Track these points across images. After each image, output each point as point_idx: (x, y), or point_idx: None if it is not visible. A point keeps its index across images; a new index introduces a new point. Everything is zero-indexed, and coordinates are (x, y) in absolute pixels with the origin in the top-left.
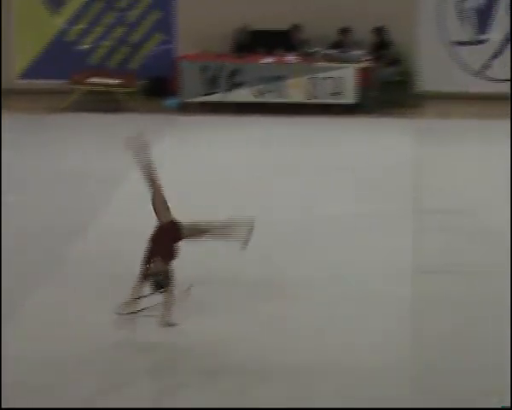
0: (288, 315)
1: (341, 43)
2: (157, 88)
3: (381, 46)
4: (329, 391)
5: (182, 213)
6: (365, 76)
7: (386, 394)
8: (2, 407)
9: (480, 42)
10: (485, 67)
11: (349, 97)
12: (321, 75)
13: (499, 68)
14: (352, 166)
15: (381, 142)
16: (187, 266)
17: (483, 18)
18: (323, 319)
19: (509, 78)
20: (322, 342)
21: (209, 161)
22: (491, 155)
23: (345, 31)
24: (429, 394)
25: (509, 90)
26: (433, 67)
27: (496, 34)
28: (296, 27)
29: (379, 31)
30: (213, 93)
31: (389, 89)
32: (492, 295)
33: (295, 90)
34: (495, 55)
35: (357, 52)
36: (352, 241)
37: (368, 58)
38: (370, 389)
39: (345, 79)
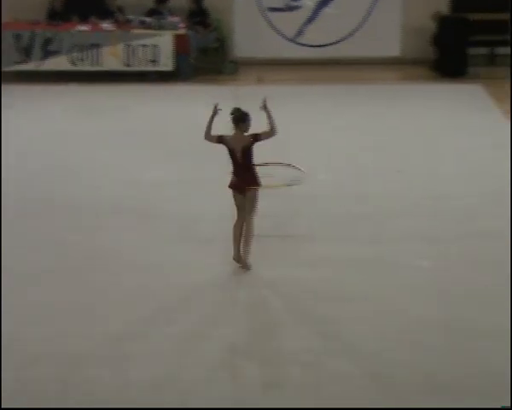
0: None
1: (158, 11)
2: None
3: (198, 13)
4: None
5: None
6: (182, 43)
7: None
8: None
9: (294, 8)
10: (299, 33)
11: (166, 65)
12: (137, 43)
13: (312, 34)
14: (171, 133)
15: (200, 108)
16: None
17: None
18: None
19: (322, 43)
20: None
21: (18, 133)
22: (310, 119)
23: None
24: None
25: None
26: (249, 34)
27: (308, 1)
28: None
29: None
30: (27, 62)
31: (206, 56)
32: (317, 258)
33: (111, 58)
34: (308, 22)
35: (173, 19)
36: (181, 208)
37: (184, 25)
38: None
39: (161, 46)
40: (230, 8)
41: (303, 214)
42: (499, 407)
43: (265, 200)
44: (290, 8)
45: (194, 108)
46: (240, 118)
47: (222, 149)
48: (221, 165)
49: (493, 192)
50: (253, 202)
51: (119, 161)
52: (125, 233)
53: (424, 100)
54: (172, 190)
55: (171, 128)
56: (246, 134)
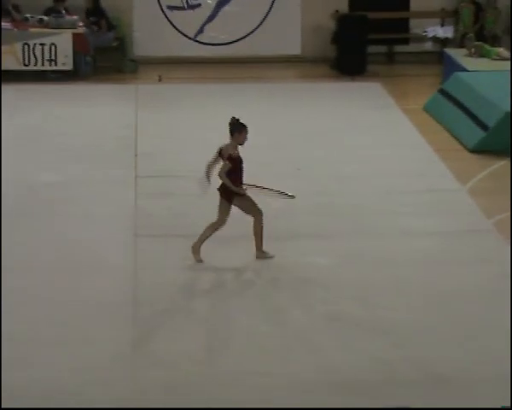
0: None
1: (55, 9)
2: None
3: (96, 12)
4: None
5: None
6: (81, 42)
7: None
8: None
9: (194, 7)
10: (199, 31)
11: (65, 64)
12: (35, 41)
13: (211, 33)
14: (73, 132)
15: (100, 108)
16: None
17: None
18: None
19: (222, 41)
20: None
21: None
22: (211, 117)
23: None
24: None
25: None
26: (149, 32)
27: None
28: None
29: None
30: None
31: (105, 54)
32: (217, 257)
33: (9, 57)
34: (208, 20)
35: (72, 18)
36: (77, 208)
37: (83, 24)
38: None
39: (60, 45)
40: (130, 6)
41: (202, 213)
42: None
43: (165, 200)
44: (190, 7)
45: (94, 108)
46: (234, 126)
47: (123, 150)
48: (121, 165)
49: (393, 190)
50: (244, 206)
51: (18, 163)
52: (26, 236)
53: (325, 98)
54: (73, 191)
55: (71, 128)
56: (231, 149)
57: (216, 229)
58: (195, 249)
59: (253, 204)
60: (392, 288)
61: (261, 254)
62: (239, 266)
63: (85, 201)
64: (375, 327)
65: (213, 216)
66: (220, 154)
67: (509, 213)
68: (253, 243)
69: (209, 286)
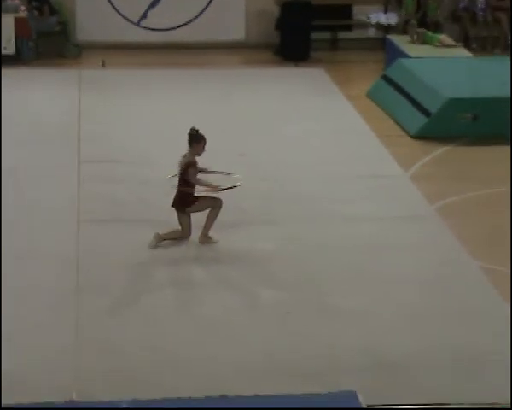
0: None
1: None
2: None
3: None
4: None
5: None
6: (23, 27)
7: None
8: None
9: None
10: (143, 16)
11: (7, 48)
12: None
13: (155, 19)
14: (15, 118)
15: (42, 93)
16: None
17: None
18: None
19: (164, 27)
20: None
21: None
22: (154, 103)
23: None
24: None
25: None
26: (92, 17)
27: None
28: None
29: None
30: None
31: (48, 39)
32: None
33: None
34: (152, 6)
35: (13, 2)
36: (18, 194)
37: (25, 8)
38: None
39: (2, 29)
40: None
41: (146, 199)
42: None
43: (109, 185)
44: None
45: (37, 93)
46: (193, 137)
47: (66, 136)
48: (64, 151)
49: (336, 176)
50: (202, 205)
51: None
52: None
53: (268, 84)
54: (15, 177)
55: (13, 113)
56: (190, 157)
57: (177, 239)
58: (157, 238)
59: (209, 197)
60: (338, 274)
61: (206, 238)
62: (183, 253)
63: (27, 186)
64: (322, 313)
65: (158, 201)
66: (182, 167)
67: (453, 199)
68: (200, 230)
69: (154, 272)
